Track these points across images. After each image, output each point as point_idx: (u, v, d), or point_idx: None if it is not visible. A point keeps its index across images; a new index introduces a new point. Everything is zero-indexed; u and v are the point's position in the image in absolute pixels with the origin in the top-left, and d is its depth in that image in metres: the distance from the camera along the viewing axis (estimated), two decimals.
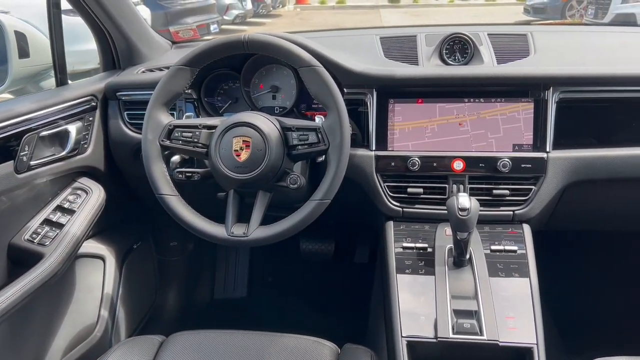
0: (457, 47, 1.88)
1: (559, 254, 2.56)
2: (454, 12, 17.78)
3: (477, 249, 1.64)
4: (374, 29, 2.54)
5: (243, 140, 1.54)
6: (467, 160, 1.77)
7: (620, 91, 1.73)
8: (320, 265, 2.96)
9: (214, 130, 1.60)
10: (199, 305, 2.94)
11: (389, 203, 1.84)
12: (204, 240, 1.57)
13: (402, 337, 1.42)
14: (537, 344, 1.37)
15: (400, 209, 1.83)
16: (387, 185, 1.85)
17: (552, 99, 1.74)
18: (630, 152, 1.73)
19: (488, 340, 1.38)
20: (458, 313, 1.45)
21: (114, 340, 2.18)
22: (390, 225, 1.82)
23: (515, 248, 1.66)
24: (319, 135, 1.52)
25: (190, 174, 1.68)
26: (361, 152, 1.86)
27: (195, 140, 1.61)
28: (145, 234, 2.58)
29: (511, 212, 1.76)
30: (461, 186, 1.77)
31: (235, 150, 1.54)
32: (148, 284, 2.61)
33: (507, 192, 1.75)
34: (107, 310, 2.14)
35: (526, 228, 1.75)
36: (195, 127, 1.62)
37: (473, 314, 1.44)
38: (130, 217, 2.46)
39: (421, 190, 1.81)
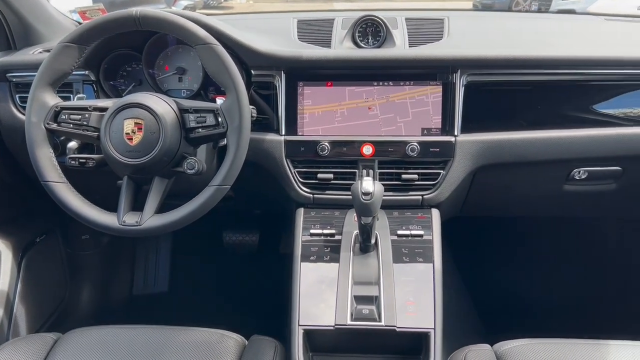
0: (370, 30, 1.85)
1: (476, 241, 2.59)
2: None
3: (383, 234, 1.61)
4: (295, 12, 2.47)
5: (135, 123, 1.44)
6: (376, 144, 1.74)
7: (527, 74, 1.74)
8: (244, 257, 2.89)
9: (104, 113, 1.49)
10: (115, 301, 2.80)
11: (299, 189, 1.78)
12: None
13: (299, 325, 1.37)
14: (434, 329, 1.35)
15: (311, 195, 1.78)
16: (297, 171, 1.79)
17: (460, 82, 1.73)
18: (534, 135, 1.75)
19: (385, 326, 1.35)
20: (359, 299, 1.41)
21: (11, 339, 2.03)
22: (300, 212, 1.77)
23: (421, 233, 1.65)
24: (218, 118, 1.44)
25: (84, 160, 1.57)
26: (270, 137, 1.80)
27: (85, 123, 1.50)
28: (51, 226, 2.42)
29: (420, 197, 1.75)
30: (370, 171, 1.74)
31: (126, 134, 1.44)
32: (55, 279, 2.45)
33: (415, 176, 1.73)
34: (2, 307, 1.99)
35: (435, 213, 1.73)
36: (85, 109, 1.51)
37: (373, 300, 1.41)
38: (32, 209, 2.30)
39: (331, 175, 1.77)
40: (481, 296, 2.44)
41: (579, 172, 1.79)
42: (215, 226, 2.74)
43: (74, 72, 1.56)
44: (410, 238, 1.63)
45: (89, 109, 1.50)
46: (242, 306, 2.47)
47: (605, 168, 1.79)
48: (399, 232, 1.64)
